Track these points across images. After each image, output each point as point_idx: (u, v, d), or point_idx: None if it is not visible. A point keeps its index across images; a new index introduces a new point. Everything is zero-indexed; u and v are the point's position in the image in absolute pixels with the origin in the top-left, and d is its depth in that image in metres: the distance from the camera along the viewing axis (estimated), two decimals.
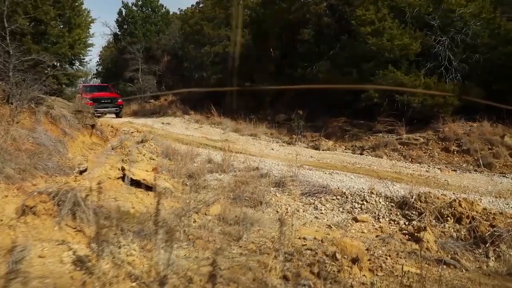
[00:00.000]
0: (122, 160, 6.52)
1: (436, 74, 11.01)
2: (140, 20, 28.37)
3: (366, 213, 4.03)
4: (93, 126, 9.59)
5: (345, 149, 10.43)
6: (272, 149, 9.54)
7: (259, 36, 17.14)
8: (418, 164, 8.47)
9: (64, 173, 6.02)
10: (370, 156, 9.36)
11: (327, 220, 3.90)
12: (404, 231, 3.57)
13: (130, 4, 28.83)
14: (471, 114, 10.11)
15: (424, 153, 9.39)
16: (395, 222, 3.84)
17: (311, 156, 8.51)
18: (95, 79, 37.10)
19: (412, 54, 10.99)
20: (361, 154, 9.79)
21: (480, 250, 3.08)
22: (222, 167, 5.82)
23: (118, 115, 17.38)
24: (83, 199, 2.42)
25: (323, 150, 9.99)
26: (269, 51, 17.34)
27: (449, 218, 3.59)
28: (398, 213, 3.95)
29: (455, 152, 9.12)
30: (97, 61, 37.25)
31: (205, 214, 3.72)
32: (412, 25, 11.36)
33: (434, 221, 3.65)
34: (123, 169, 4.51)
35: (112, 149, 8.38)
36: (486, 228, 3.37)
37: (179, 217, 2.68)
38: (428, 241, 3.09)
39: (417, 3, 11.21)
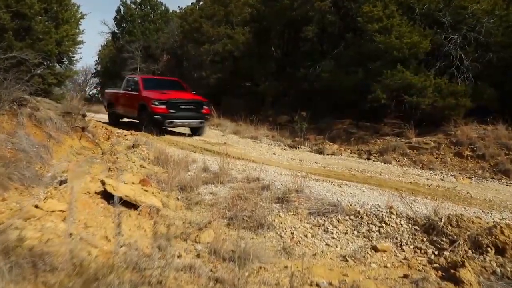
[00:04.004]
0: (109, 168, 5.94)
1: (447, 74, 10.48)
2: (138, 18, 27.99)
3: (386, 238, 3.40)
4: (83, 129, 9.00)
5: (350, 153, 9.86)
6: (273, 153, 8.95)
7: (260, 34, 16.58)
8: (430, 171, 7.90)
9: (43, 183, 5.47)
10: (378, 162, 8.78)
11: (341, 249, 3.28)
12: (435, 265, 2.97)
13: (128, 2, 28.39)
14: (484, 116, 9.57)
15: (436, 158, 8.83)
16: (422, 251, 3.20)
17: (315, 162, 7.92)
18: (94, 78, 36.64)
19: (422, 53, 10.45)
20: (368, 159, 9.22)
21: None
22: (218, 177, 5.22)
23: (200, 131, 10.76)
24: (10, 245, 1.77)
25: (327, 154, 9.42)
26: (271, 50, 16.78)
27: (489, 249, 2.99)
28: (425, 239, 3.31)
29: (469, 158, 8.56)
30: (96, 60, 36.80)
31: (195, 242, 3.12)
32: (421, 22, 10.82)
33: (470, 251, 3.05)
34: (102, 182, 3.91)
35: (102, 154, 7.80)
36: None
37: (159, 255, 2.08)
38: (470, 284, 2.51)
39: None
